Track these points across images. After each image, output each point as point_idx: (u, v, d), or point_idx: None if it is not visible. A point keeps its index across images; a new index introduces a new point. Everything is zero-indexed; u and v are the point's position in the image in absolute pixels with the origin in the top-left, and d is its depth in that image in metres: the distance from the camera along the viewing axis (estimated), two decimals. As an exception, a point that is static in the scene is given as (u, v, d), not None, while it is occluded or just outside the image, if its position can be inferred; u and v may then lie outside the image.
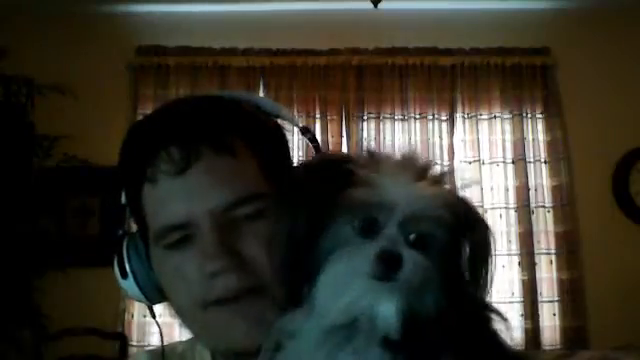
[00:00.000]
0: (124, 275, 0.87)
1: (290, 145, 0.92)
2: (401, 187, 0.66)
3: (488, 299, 0.71)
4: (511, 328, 0.70)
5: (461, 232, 0.68)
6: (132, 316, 3.74)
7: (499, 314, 0.71)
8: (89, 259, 3.50)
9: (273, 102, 0.95)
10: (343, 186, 0.67)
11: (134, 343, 3.67)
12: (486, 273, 0.70)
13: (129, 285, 0.88)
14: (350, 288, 0.64)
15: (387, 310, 0.64)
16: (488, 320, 0.70)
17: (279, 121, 0.92)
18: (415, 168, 0.69)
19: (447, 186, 0.70)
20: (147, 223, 0.84)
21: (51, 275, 3.38)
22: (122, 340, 3.47)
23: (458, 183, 0.72)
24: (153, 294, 0.88)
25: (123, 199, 0.89)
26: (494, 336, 0.70)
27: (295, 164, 0.90)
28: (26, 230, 3.39)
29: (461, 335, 0.66)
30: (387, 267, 0.63)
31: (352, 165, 0.68)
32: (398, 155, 0.70)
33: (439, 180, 0.69)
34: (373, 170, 0.67)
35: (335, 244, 0.66)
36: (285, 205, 0.71)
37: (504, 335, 0.70)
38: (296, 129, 0.96)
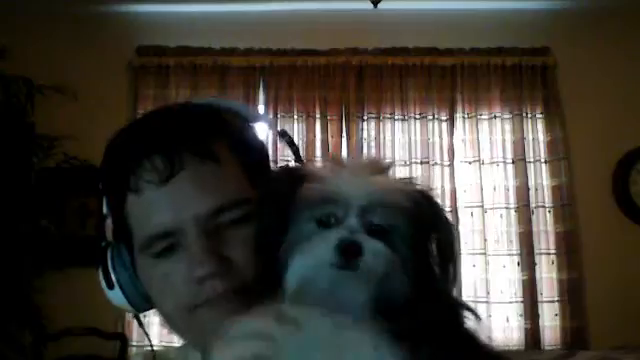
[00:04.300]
0: (110, 286, 0.88)
1: (271, 148, 0.93)
2: (356, 180, 0.68)
3: (460, 296, 0.72)
4: (484, 324, 0.71)
5: (425, 226, 0.70)
6: (132, 316, 3.73)
7: (472, 311, 0.72)
8: (89, 259, 3.48)
9: (251, 107, 0.96)
10: (299, 187, 0.70)
11: (134, 343, 3.67)
12: (453, 269, 0.71)
13: (116, 295, 0.88)
14: (315, 279, 0.66)
15: (352, 297, 0.65)
16: (461, 316, 0.71)
17: (258, 125, 0.93)
18: (373, 166, 0.71)
19: (408, 183, 0.72)
20: (132, 233, 0.84)
21: (51, 275, 3.38)
22: (122, 340, 3.47)
23: (420, 182, 0.73)
24: (140, 302, 0.89)
25: (105, 209, 0.89)
26: (468, 332, 0.70)
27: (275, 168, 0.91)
28: (26, 230, 3.39)
29: (438, 329, 0.67)
30: (347, 256, 0.65)
31: (311, 169, 0.71)
32: (362, 159, 0.74)
33: (396, 176, 0.72)
34: (330, 169, 0.70)
35: (300, 240, 0.68)
36: (255, 211, 0.75)
37: (477, 331, 0.71)
38: (284, 133, 0.97)
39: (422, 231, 0.69)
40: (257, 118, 0.94)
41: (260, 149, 0.90)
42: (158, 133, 0.82)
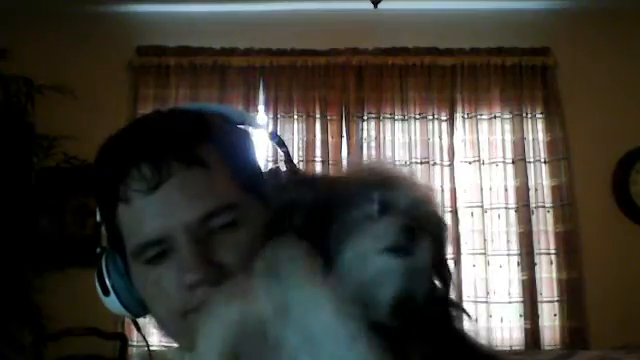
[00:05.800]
0: (106, 292, 0.88)
1: (271, 149, 0.93)
2: (398, 174, 0.70)
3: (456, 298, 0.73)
4: (477, 326, 0.71)
5: (438, 229, 0.70)
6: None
7: (465, 312, 0.72)
8: (89, 259, 3.48)
9: (239, 110, 0.95)
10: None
11: (134, 343, 3.67)
12: (450, 275, 0.71)
13: (111, 301, 0.89)
14: (365, 266, 0.64)
15: (390, 292, 0.63)
16: (453, 317, 0.71)
17: (247, 128, 0.93)
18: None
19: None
20: (124, 240, 0.84)
21: (51, 275, 3.38)
22: (122, 340, 3.47)
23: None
24: (136, 308, 0.89)
25: (98, 217, 0.89)
26: (459, 332, 0.70)
27: (265, 170, 0.90)
28: (26, 230, 3.39)
29: (430, 328, 0.66)
30: (407, 238, 0.64)
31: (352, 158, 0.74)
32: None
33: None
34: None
35: (349, 229, 0.66)
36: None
37: (471, 332, 0.71)
38: (279, 135, 0.97)
39: (438, 232, 0.70)
40: (248, 121, 0.93)
41: (249, 151, 0.90)
42: (145, 141, 0.82)
